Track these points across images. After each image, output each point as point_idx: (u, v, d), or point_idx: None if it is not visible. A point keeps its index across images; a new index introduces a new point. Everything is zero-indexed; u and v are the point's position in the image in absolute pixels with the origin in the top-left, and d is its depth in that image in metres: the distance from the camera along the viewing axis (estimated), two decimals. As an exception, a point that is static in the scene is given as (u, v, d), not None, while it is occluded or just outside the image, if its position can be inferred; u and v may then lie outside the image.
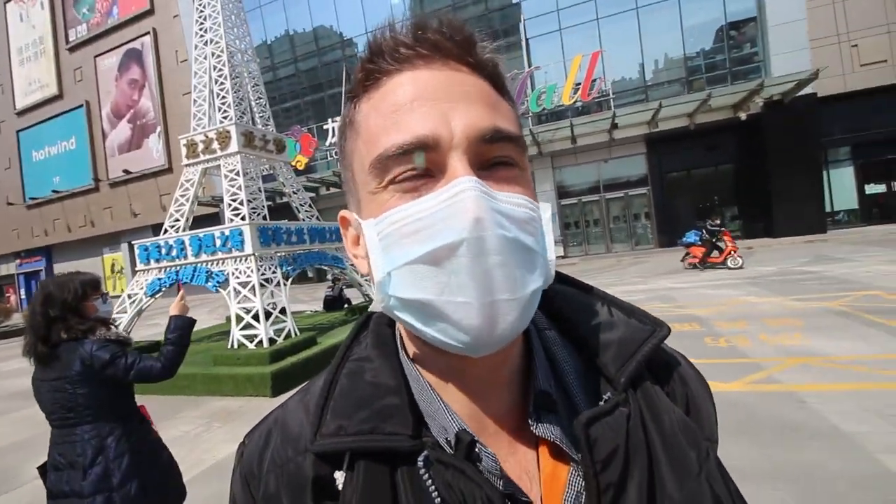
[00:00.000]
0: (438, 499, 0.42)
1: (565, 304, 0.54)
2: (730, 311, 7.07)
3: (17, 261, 33.16)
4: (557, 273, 0.54)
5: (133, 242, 8.83)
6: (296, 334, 7.40)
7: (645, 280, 11.54)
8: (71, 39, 29.67)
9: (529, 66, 19.25)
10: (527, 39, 20.05)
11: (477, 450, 0.43)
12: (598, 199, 20.09)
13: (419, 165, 0.40)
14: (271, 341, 6.91)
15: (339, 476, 0.45)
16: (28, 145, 31.45)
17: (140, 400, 2.17)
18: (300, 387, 0.55)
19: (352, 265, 10.43)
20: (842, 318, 5.99)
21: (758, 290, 8.38)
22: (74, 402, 1.89)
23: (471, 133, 0.40)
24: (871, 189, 17.14)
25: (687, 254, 12.59)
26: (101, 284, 2.18)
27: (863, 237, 14.23)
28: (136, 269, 8.61)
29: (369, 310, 0.53)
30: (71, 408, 1.90)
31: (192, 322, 2.27)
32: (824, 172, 16.69)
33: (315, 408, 0.47)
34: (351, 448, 0.44)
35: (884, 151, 16.57)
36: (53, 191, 29.97)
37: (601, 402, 0.47)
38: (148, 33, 26.85)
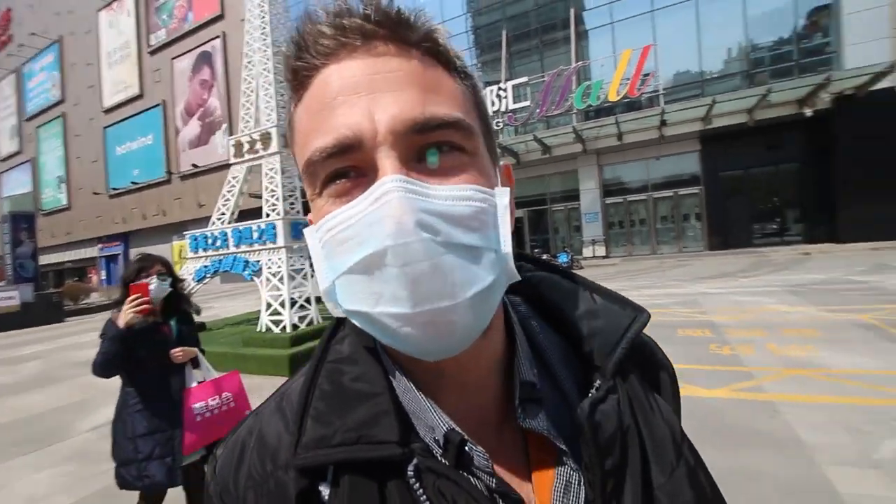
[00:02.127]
0: None
1: (550, 292, 0.53)
2: (751, 319, 6.78)
3: (100, 245, 36.95)
4: (536, 259, 0.57)
5: (185, 233, 9.78)
6: (318, 322, 7.96)
7: (681, 284, 11.14)
8: (152, 43, 32.53)
9: (578, 60, 18.87)
10: (576, 34, 19.63)
11: (467, 449, 0.41)
12: (645, 199, 19.40)
13: (347, 166, 0.38)
14: (294, 327, 7.50)
15: (325, 489, 0.42)
16: (113, 141, 34.93)
17: None
18: (276, 390, 0.51)
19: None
20: (864, 331, 5.61)
21: (793, 299, 7.92)
22: None
23: (396, 126, 0.37)
24: (958, 193, 15.29)
25: None
26: (152, 266, 2.44)
27: (942, 246, 12.84)
28: (187, 256, 9.57)
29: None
30: None
31: (120, 333, 2.28)
32: (902, 173, 15.11)
33: (294, 416, 0.44)
34: (335, 460, 0.41)
35: (976, 151, 14.74)
36: (132, 182, 33.15)
37: (593, 390, 0.46)
38: (218, 37, 28.89)
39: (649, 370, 0.54)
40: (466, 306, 0.37)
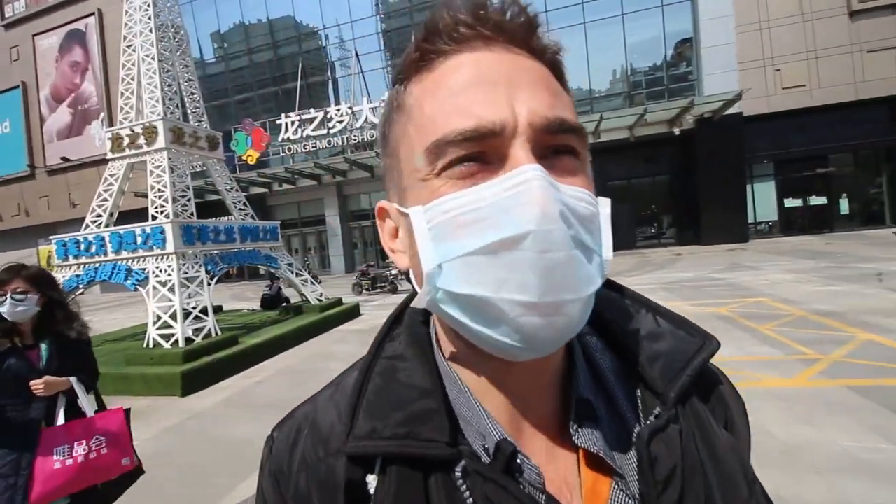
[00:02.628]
0: None
1: (610, 310, 0.51)
2: (633, 316, 7.61)
3: (-59, 249, 30.87)
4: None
5: (52, 237, 8.56)
6: (217, 334, 7.41)
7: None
8: (7, 15, 27.92)
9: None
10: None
11: (518, 461, 0.41)
12: (545, 204, 20.74)
13: (480, 152, 0.38)
14: (188, 341, 6.90)
15: (371, 479, 0.43)
16: (-45, 126, 29.36)
17: None
18: (331, 380, 0.52)
19: (288, 264, 10.46)
20: (723, 323, 6.59)
21: (666, 295, 9.02)
22: None
23: (535, 121, 0.38)
24: (789, 202, 18.55)
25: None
26: (9, 282, 2.09)
27: (777, 247, 15.42)
28: (54, 264, 8.37)
29: (413, 304, 0.52)
30: None
31: None
32: (748, 186, 17.92)
33: (347, 407, 0.45)
34: (385, 452, 0.42)
35: (802, 168, 18.03)
36: (-18, 177, 28.14)
37: (652, 417, 0.44)
38: (92, 14, 25.62)
39: (717, 402, 0.50)
40: (583, 303, 0.38)
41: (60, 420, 2.15)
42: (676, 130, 17.26)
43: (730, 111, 16.55)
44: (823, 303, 7.26)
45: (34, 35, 27.07)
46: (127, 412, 2.40)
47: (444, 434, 0.42)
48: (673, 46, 18.71)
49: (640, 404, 0.46)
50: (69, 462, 2.07)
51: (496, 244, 0.36)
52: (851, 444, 3.23)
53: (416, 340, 0.49)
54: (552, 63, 0.43)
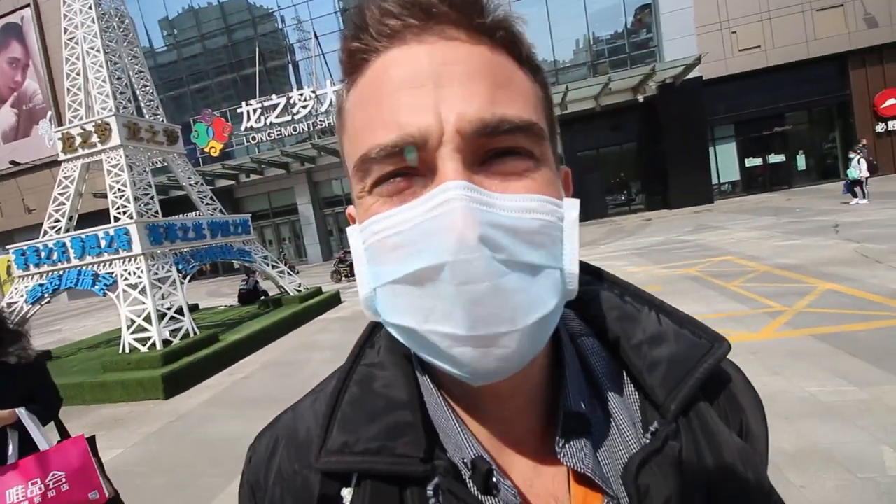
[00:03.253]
0: None
1: (604, 310, 0.47)
2: (609, 283, 7.82)
3: None
4: (598, 271, 0.50)
5: (8, 246, 8.16)
6: (195, 333, 7.27)
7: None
8: (-71, 11, 25.80)
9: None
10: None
11: (494, 479, 0.39)
12: (517, 179, 20.86)
13: (404, 166, 0.35)
14: (166, 342, 6.76)
15: (346, 493, 0.41)
16: None
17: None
18: (315, 386, 0.51)
19: (262, 257, 10.28)
20: (693, 283, 6.86)
21: (638, 260, 9.29)
22: None
23: (464, 126, 0.33)
24: (750, 162, 19.15)
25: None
26: None
27: (740, 206, 15.97)
28: (14, 275, 8.00)
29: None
30: None
31: None
32: (711, 148, 18.41)
33: (322, 418, 0.44)
34: (356, 469, 0.41)
35: (760, 128, 18.58)
36: (-78, 187, 26.36)
37: (648, 435, 0.41)
38: (28, 5, 23.95)
39: (730, 405, 0.46)
40: (526, 333, 0.34)
41: (13, 458, 1.95)
42: (640, 97, 17.48)
43: (690, 76, 16.83)
44: (785, 257, 7.60)
45: (-37, 31, 25.16)
46: (90, 440, 2.18)
47: (419, 449, 0.40)
48: (633, 13, 18.77)
49: (639, 415, 0.43)
50: None
51: (417, 273, 0.33)
52: (816, 388, 3.45)
53: (395, 347, 0.46)
54: (506, 42, 0.37)
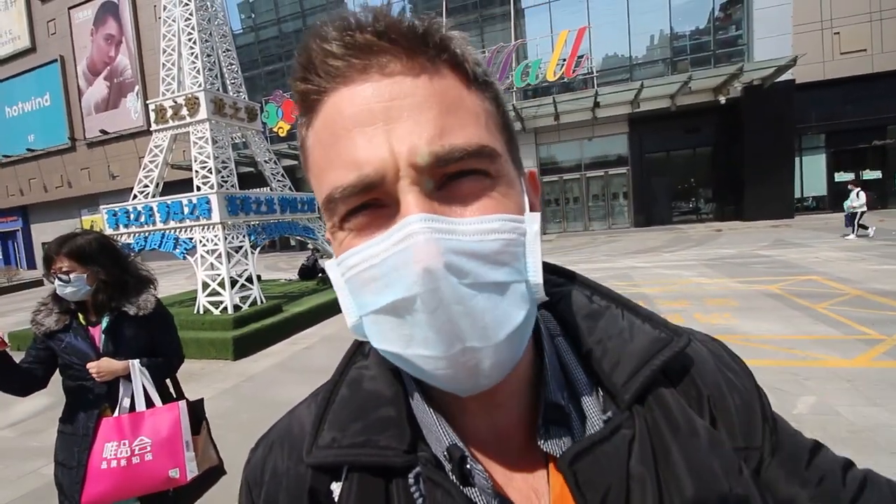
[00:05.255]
0: None
1: (570, 309, 0.49)
2: (677, 291, 7.44)
3: (-8, 220, 32.61)
4: (572, 274, 0.53)
5: (102, 207, 8.87)
6: (262, 302, 7.63)
7: (612, 259, 11.90)
8: (43, -12, 28.39)
9: (517, 38, 19.03)
10: (515, 11, 19.72)
11: (468, 467, 0.41)
12: (578, 178, 20.28)
13: (369, 198, 0.37)
14: (236, 308, 7.14)
15: (336, 487, 0.44)
16: (0, 100, 30.40)
17: None
18: (311, 392, 0.54)
19: (324, 235, 10.60)
20: (774, 301, 6.38)
21: (709, 272, 8.77)
22: None
23: (417, 161, 0.35)
24: (840, 177, 17.54)
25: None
26: (56, 259, 1.90)
27: (825, 223, 14.73)
28: (105, 233, 8.70)
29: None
30: None
31: (32, 340, 1.98)
32: (797, 159, 17.03)
33: (314, 419, 0.47)
34: (344, 461, 0.43)
35: (856, 140, 16.96)
36: (28, 149, 29.22)
37: (599, 424, 0.43)
38: (125, -15, 25.80)
39: (696, 392, 0.46)
40: (501, 346, 0.36)
41: (125, 409, 1.93)
42: (722, 99, 16.43)
43: (781, 78, 15.60)
44: (881, 282, 6.92)
45: (69, 8, 27.45)
46: (197, 403, 2.10)
47: (402, 441, 0.43)
48: (721, 8, 17.57)
49: (600, 408, 0.44)
50: (113, 464, 1.82)
51: (392, 305, 0.35)
52: (926, 426, 3.11)
53: (382, 356, 0.48)
54: (451, 64, 0.38)
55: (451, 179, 0.36)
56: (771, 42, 16.04)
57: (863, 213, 11.48)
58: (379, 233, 0.36)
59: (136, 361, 1.95)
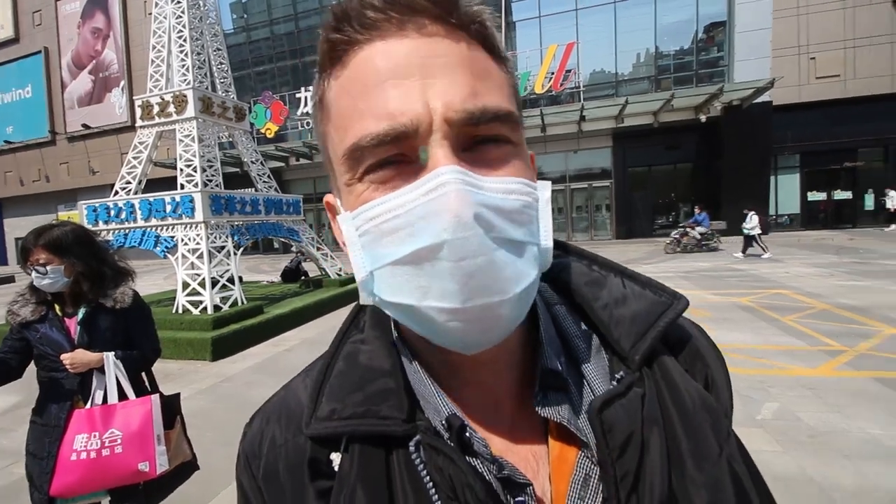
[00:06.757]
0: (430, 482, 0.41)
1: (573, 278, 0.50)
2: (654, 302, 7.63)
3: (-35, 211, 31.60)
4: (565, 244, 0.54)
5: (81, 203, 8.74)
6: (242, 303, 7.59)
7: (593, 269, 12.08)
8: (30, -20, 27.90)
9: (507, 51, 19.28)
10: (506, 24, 20.06)
11: (468, 434, 0.42)
12: (563, 189, 20.58)
13: (394, 154, 0.37)
14: (216, 308, 7.09)
15: (336, 457, 0.44)
16: (-22, 90, 29.68)
17: None
18: (306, 366, 0.55)
19: (309, 238, 10.58)
20: (745, 312, 6.60)
21: (686, 284, 9.00)
22: None
23: (452, 115, 0.36)
24: (813, 196, 18.17)
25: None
26: (34, 251, 1.90)
27: (798, 241, 15.20)
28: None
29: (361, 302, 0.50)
30: None
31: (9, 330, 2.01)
32: (773, 177, 17.59)
33: (312, 391, 0.47)
34: (344, 432, 0.44)
35: (828, 162, 17.59)
36: (6, 141, 28.51)
37: (614, 383, 0.44)
38: (114, -20, 25.52)
39: (695, 359, 0.50)
40: (514, 301, 0.37)
41: (98, 402, 1.93)
42: (702, 117, 16.89)
43: (759, 99, 16.14)
44: (847, 297, 7.20)
45: (56, 0, 27.06)
46: (173, 398, 2.13)
47: (401, 411, 0.43)
48: (705, 30, 18.15)
49: (608, 369, 0.46)
50: (83, 456, 1.82)
51: (415, 253, 0.35)
52: (879, 432, 3.27)
53: (377, 323, 0.50)
54: (480, 36, 0.40)
55: (477, 144, 0.38)
56: (750, 64, 16.61)
57: (759, 234, 12.21)
58: (403, 186, 0.37)
59: (111, 354, 1.94)
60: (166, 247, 7.70)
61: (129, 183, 8.85)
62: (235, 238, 8.18)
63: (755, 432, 3.34)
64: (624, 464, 0.40)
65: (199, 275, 7.35)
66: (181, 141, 8.38)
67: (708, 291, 8.19)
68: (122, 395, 1.97)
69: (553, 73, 17.66)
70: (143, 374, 2.14)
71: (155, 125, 8.74)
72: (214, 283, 7.37)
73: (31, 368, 2.01)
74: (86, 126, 26.11)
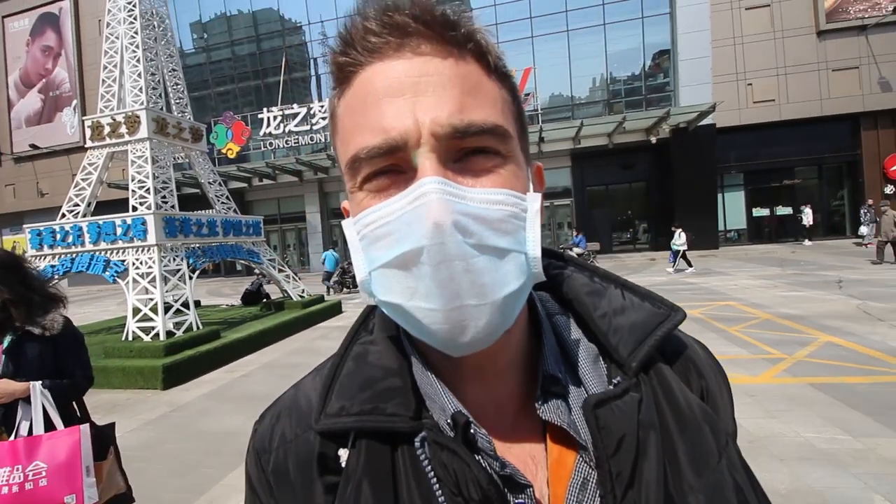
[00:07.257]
0: (434, 477, 0.43)
1: (574, 288, 0.52)
2: (611, 316, 7.88)
3: None
4: (571, 258, 0.56)
5: (25, 226, 8.31)
6: (198, 328, 7.34)
7: (555, 285, 12.37)
8: (-27, -4, 26.74)
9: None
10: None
11: (472, 431, 0.43)
12: (526, 207, 21.06)
13: (389, 164, 0.40)
14: (169, 334, 6.83)
15: (343, 453, 0.46)
16: (-88, 109, 27.89)
17: None
18: (316, 366, 0.57)
19: (270, 260, 10.39)
20: (695, 324, 6.91)
21: (642, 299, 9.34)
22: None
23: (438, 130, 0.38)
24: (757, 212, 19.34)
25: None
26: None
27: (746, 254, 16.08)
28: (28, 254, 8.13)
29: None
30: None
31: None
32: (719, 195, 18.62)
33: (322, 389, 0.49)
34: (353, 428, 0.45)
35: (769, 180, 18.85)
36: (-58, 162, 26.83)
37: (610, 386, 0.46)
38: (67, -3, 24.81)
39: (691, 371, 0.51)
40: (494, 307, 0.39)
41: (23, 433, 1.85)
42: (653, 139, 17.78)
43: (703, 122, 17.15)
44: (788, 307, 7.66)
45: (3, 17, 26.04)
46: (107, 428, 2.05)
47: (408, 409, 0.45)
48: (651, 57, 19.27)
49: (606, 375, 0.48)
50: (4, 491, 1.73)
51: (401, 257, 0.38)
52: (812, 434, 3.49)
53: (386, 324, 0.52)
54: (476, 53, 0.42)
55: (466, 155, 0.40)
56: (694, 90, 17.71)
57: (685, 250, 13.11)
58: (396, 194, 0.39)
59: (38, 383, 1.87)
60: (116, 271, 7.40)
61: (77, 205, 8.50)
62: (191, 261, 7.95)
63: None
64: (619, 461, 0.41)
65: (151, 299, 7.08)
66: (134, 162, 8.15)
67: (662, 305, 8.52)
68: (50, 426, 1.88)
69: (513, 97, 18.22)
70: (74, 403, 2.07)
71: (106, 146, 8.47)
72: (168, 307, 7.11)
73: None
74: (34, 146, 24.94)
